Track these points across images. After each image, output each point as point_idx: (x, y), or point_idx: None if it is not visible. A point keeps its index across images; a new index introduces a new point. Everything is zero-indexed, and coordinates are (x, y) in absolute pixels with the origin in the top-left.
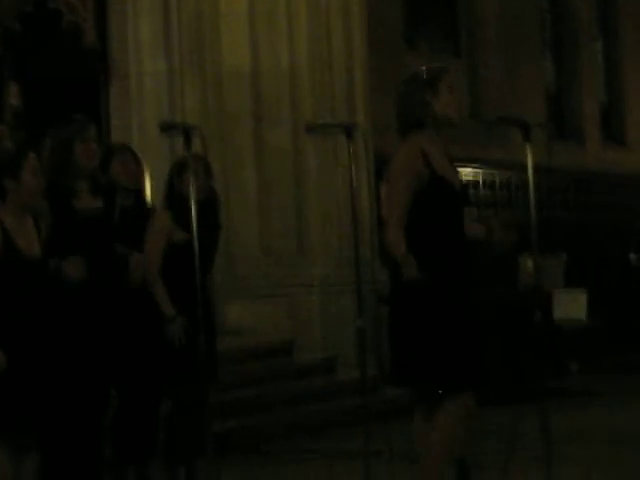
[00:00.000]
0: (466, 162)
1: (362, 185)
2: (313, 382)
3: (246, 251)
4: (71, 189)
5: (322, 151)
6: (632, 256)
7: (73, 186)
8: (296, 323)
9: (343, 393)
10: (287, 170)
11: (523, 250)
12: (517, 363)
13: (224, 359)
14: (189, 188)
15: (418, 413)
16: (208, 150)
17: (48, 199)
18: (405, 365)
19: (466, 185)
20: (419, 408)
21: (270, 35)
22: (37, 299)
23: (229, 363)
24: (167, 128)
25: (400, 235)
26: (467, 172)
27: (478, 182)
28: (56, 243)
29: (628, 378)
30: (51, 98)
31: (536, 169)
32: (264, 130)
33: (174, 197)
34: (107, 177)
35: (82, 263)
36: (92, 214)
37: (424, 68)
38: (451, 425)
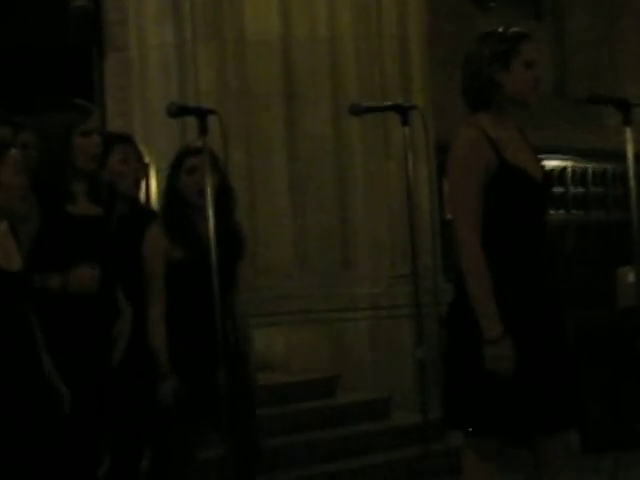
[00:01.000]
0: (550, 151)
1: (421, 180)
2: (362, 429)
3: (276, 264)
4: (67, 192)
5: (370, 139)
6: None
7: (69, 189)
8: (340, 355)
9: (400, 442)
10: (327, 163)
11: (623, 261)
12: (617, 401)
13: None
14: (191, 188)
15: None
16: (228, 139)
17: (39, 202)
18: (455, 403)
19: (550, 178)
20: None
21: None
22: (19, 319)
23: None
24: (177, 112)
25: (481, 260)
26: (551, 164)
27: (565, 176)
28: (43, 255)
29: None
30: (29, 74)
31: (638, 158)
32: (298, 113)
33: (171, 201)
34: (106, 176)
35: (94, 271)
36: (90, 223)
37: (499, 30)
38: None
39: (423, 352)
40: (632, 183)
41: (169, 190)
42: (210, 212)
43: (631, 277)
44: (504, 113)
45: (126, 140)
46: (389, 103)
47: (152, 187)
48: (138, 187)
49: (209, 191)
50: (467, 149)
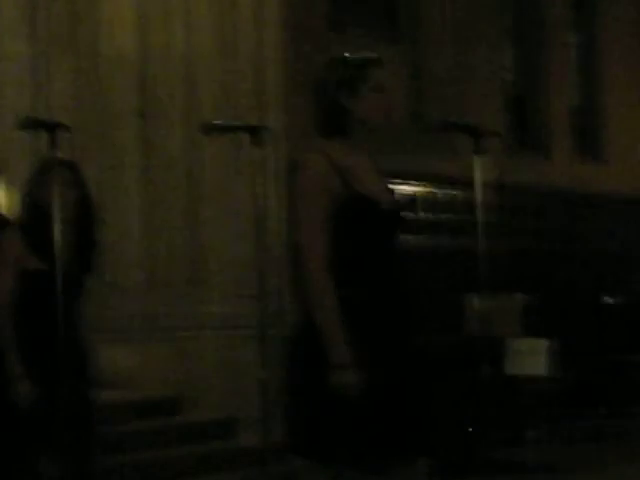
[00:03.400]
0: (400, 177)
1: (271, 201)
2: (205, 448)
3: (124, 281)
4: None
5: (222, 158)
6: (606, 298)
7: None
8: (185, 374)
9: (244, 463)
10: (179, 180)
11: (469, 288)
12: (459, 428)
13: None
14: (49, 201)
15: None
16: (79, 154)
17: None
18: (298, 429)
19: (401, 204)
20: None
21: (162, 11)
22: None
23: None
24: (28, 125)
25: (328, 290)
26: (401, 189)
27: (415, 201)
28: None
29: (598, 448)
30: None
31: (489, 186)
32: (151, 130)
33: (31, 213)
34: None
35: None
36: None
37: (346, 56)
38: None
39: (267, 373)
40: (479, 210)
41: (29, 201)
42: (57, 224)
43: (476, 305)
44: (354, 139)
45: None
46: (241, 123)
47: (1, 197)
48: None
49: (62, 204)
50: (310, 178)
